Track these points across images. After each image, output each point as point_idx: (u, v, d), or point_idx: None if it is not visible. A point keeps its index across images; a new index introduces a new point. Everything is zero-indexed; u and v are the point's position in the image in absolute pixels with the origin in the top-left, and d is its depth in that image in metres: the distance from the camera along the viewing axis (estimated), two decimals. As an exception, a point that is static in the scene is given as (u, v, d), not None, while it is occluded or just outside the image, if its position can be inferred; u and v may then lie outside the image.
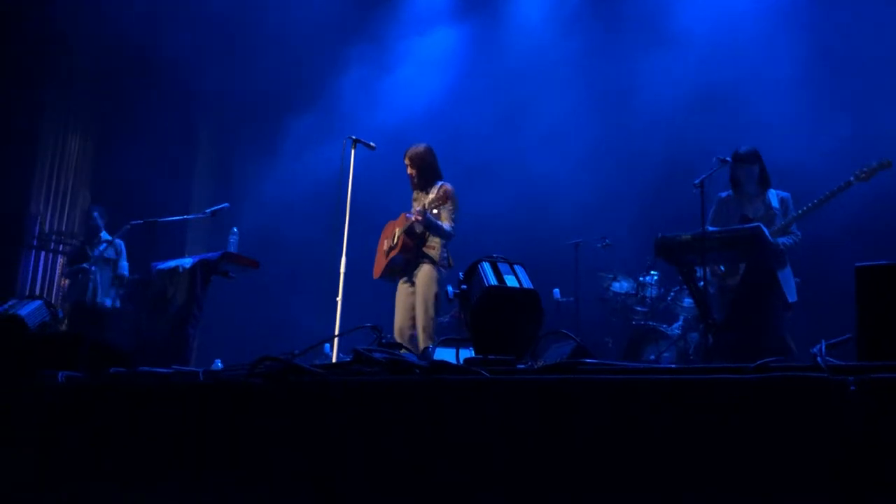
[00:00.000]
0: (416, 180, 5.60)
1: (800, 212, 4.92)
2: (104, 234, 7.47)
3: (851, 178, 4.76)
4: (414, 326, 5.39)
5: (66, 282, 7.68)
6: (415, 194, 5.68)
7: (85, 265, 7.23)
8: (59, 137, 9.64)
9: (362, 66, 9.55)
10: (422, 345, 5.12)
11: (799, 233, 5.05)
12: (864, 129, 6.54)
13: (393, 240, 5.50)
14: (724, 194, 5.32)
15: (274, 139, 9.83)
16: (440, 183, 5.54)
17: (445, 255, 5.47)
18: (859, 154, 5.16)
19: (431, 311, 5.34)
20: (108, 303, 7.28)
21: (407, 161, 5.62)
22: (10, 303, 5.42)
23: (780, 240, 4.93)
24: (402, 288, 5.51)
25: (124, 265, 7.47)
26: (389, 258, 5.46)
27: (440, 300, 5.37)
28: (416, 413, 1.85)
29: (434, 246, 5.44)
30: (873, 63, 6.96)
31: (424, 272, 5.39)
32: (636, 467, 1.55)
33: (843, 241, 6.02)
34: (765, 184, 5.19)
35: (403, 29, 9.53)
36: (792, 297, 4.89)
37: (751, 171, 5.16)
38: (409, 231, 5.38)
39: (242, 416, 2.12)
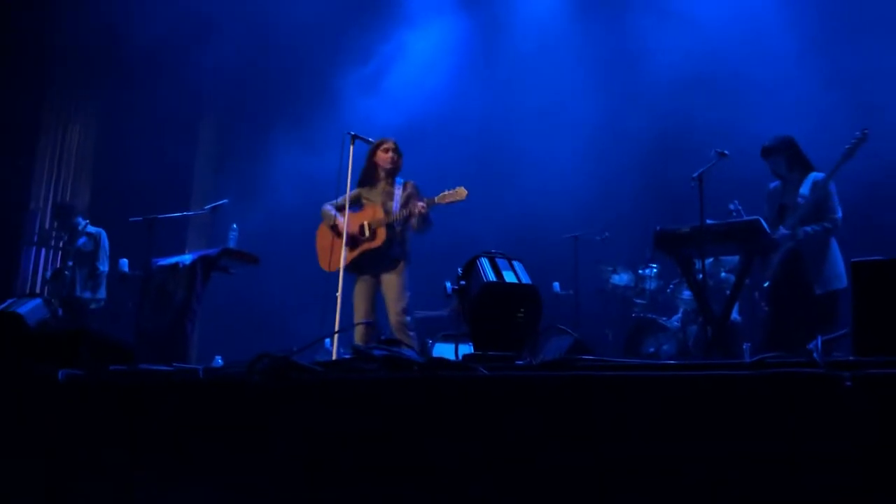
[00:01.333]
0: (395, 169, 5.56)
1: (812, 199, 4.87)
2: (89, 228, 7.35)
3: (844, 150, 4.72)
4: (375, 318, 5.43)
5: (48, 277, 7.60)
6: (379, 186, 5.55)
7: (69, 262, 7.16)
8: (59, 133, 9.62)
9: (360, 61, 9.52)
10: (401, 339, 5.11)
11: (838, 215, 4.88)
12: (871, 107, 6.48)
13: (364, 232, 5.40)
14: (772, 185, 5.25)
15: (273, 135, 9.81)
16: (402, 179, 5.58)
17: (410, 249, 5.52)
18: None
19: (407, 306, 5.36)
20: (88, 296, 7.15)
21: (394, 147, 5.56)
22: (9, 301, 5.44)
23: (804, 228, 4.82)
24: (367, 281, 5.45)
25: (103, 260, 7.26)
26: (361, 251, 5.37)
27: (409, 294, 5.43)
28: (414, 410, 1.85)
29: (405, 242, 5.46)
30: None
31: (400, 269, 5.39)
32: (634, 462, 1.56)
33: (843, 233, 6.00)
34: (803, 169, 5.06)
35: (398, 22, 9.48)
36: (821, 288, 4.79)
37: (778, 162, 5.09)
38: (389, 225, 5.35)
39: (242, 414, 2.12)
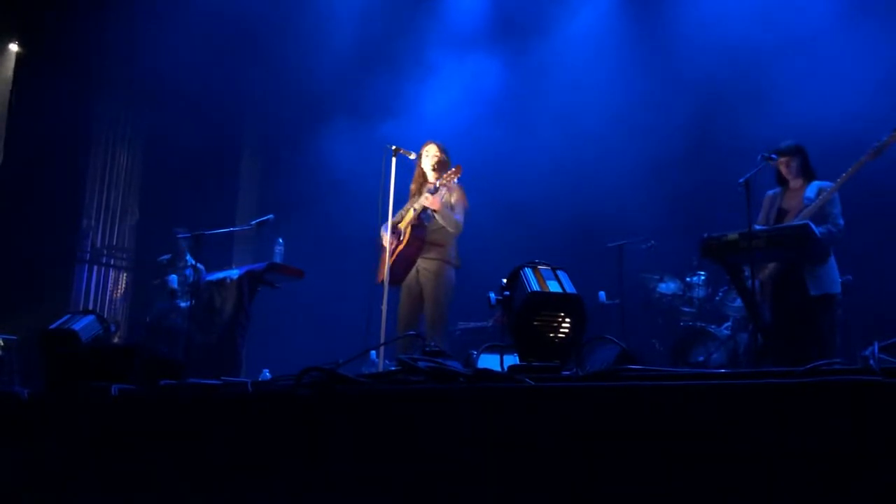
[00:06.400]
0: (439, 171, 5.38)
1: (819, 200, 4.83)
2: (189, 259, 7.51)
3: (863, 158, 4.67)
4: (418, 329, 5.19)
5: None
6: (423, 191, 5.43)
7: (174, 287, 7.28)
8: (109, 153, 9.88)
9: (403, 76, 9.56)
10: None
11: (841, 222, 4.86)
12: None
13: (400, 237, 5.30)
14: (771, 192, 5.25)
15: (317, 150, 9.91)
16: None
17: (455, 252, 5.31)
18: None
19: (444, 310, 5.16)
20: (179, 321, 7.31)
21: (436, 150, 5.44)
22: (64, 318, 5.57)
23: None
24: (410, 290, 5.32)
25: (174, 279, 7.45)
26: (395, 255, 5.23)
27: (450, 300, 5.21)
28: (461, 421, 1.85)
29: (443, 242, 5.28)
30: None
31: (434, 268, 5.22)
32: (682, 474, 1.53)
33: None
34: (808, 177, 5.09)
35: (443, 38, 9.51)
36: (817, 290, 4.72)
37: (792, 165, 5.09)
38: (416, 224, 5.22)
39: (290, 426, 2.14)
